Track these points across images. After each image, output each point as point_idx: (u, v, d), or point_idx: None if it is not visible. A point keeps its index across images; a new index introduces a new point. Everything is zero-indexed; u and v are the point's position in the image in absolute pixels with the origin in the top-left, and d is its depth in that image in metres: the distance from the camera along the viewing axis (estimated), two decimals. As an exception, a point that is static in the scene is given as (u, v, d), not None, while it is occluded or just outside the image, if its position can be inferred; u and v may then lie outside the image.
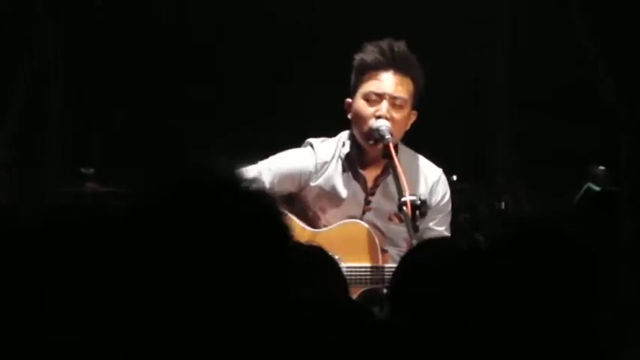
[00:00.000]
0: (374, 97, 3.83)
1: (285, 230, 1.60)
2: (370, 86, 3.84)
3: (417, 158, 3.99)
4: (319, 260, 2.73)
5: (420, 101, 3.91)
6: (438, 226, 3.95)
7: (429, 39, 4.17)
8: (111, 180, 5.43)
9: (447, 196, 3.99)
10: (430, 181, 3.96)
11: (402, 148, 3.93)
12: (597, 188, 5.53)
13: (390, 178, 3.82)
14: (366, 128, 3.81)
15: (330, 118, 4.04)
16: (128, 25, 5.80)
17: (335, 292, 2.69)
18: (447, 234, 3.98)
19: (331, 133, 4.01)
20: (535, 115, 5.95)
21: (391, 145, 3.72)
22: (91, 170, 5.44)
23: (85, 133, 5.93)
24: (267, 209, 1.60)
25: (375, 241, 3.85)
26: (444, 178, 4.01)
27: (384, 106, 3.81)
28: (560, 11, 5.87)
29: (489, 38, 5.93)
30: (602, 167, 5.83)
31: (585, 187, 5.58)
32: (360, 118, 3.83)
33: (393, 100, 3.82)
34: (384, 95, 3.82)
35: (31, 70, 5.70)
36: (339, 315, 1.87)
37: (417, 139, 4.01)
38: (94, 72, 5.86)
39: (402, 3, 5.65)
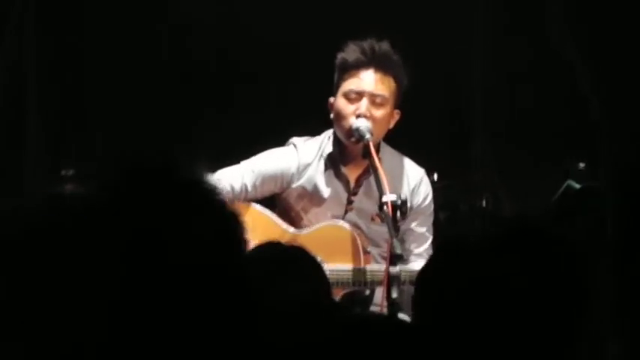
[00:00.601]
0: (354, 96, 3.83)
1: (235, 231, 1.53)
2: (350, 84, 3.84)
3: (401, 158, 3.99)
4: (302, 261, 2.72)
5: (404, 100, 3.91)
6: (420, 227, 3.95)
7: (408, 38, 4.15)
8: (92, 181, 5.39)
9: (430, 197, 3.99)
10: (412, 181, 3.95)
11: (385, 147, 3.93)
12: (578, 185, 5.54)
13: (372, 178, 3.82)
14: (346, 127, 3.81)
15: (315, 118, 4.04)
16: (108, 29, 5.77)
17: (318, 294, 2.68)
18: (429, 235, 3.98)
19: (316, 132, 4.01)
20: (513, 112, 5.96)
21: (371, 145, 3.71)
22: (71, 172, 5.41)
23: (64, 135, 5.89)
24: (211, 204, 1.52)
25: (357, 242, 3.84)
26: (426, 178, 4.01)
27: (363, 104, 3.80)
28: (536, 15, 5.89)
29: (467, 37, 5.93)
30: (582, 164, 5.83)
31: (565, 184, 5.59)
32: (341, 117, 3.83)
33: (373, 98, 3.82)
34: (364, 93, 3.82)
35: (7, 66, 5.67)
36: (319, 316, 1.85)
37: (398, 138, 4.01)
38: (74, 73, 5.82)
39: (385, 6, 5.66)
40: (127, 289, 1.41)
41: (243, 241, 1.50)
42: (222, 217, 1.50)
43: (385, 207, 3.49)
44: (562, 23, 5.83)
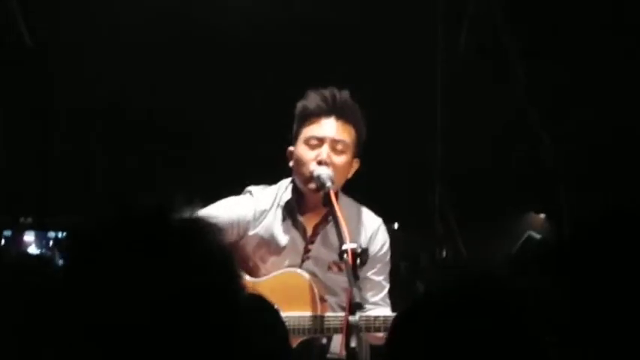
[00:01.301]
0: (315, 142, 3.83)
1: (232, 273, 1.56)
2: (311, 131, 3.84)
3: (358, 207, 3.98)
4: (261, 310, 2.70)
5: (365, 151, 3.91)
6: (377, 276, 3.94)
7: (366, 87, 4.17)
8: (51, 228, 5.35)
9: (387, 246, 3.98)
10: (370, 230, 3.95)
11: (342, 196, 3.92)
12: (538, 236, 5.56)
13: (329, 227, 3.81)
14: (307, 173, 3.80)
15: (272, 167, 4.04)
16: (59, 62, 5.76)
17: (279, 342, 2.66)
18: (385, 284, 3.96)
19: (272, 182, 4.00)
20: (473, 163, 5.99)
21: (332, 193, 3.70)
22: (30, 220, 5.37)
23: (22, 182, 5.85)
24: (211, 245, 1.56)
25: (314, 290, 3.82)
26: (383, 227, 4.00)
27: (324, 151, 3.80)
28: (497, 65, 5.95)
29: (426, 87, 5.97)
30: (542, 215, 5.87)
31: (526, 235, 5.61)
32: (301, 164, 3.82)
33: (334, 145, 3.82)
34: (325, 139, 3.82)
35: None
36: None
37: (359, 188, 4.01)
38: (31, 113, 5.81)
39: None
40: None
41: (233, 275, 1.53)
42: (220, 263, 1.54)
43: (345, 255, 3.47)
44: (523, 76, 5.89)
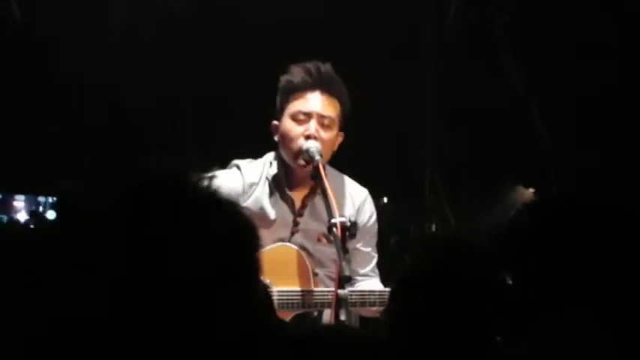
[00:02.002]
0: (302, 117, 3.82)
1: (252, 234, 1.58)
2: (298, 106, 3.83)
3: (343, 179, 3.99)
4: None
5: (349, 122, 3.91)
6: (365, 247, 3.95)
7: (352, 59, 4.17)
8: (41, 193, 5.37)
9: (374, 217, 3.99)
10: (357, 201, 3.96)
11: (329, 169, 3.93)
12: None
13: (317, 199, 3.81)
14: (295, 148, 3.80)
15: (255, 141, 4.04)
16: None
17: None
18: (374, 254, 3.98)
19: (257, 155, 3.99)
20: (463, 136, 5.99)
21: (321, 167, 3.71)
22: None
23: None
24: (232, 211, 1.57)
25: (305, 264, 3.83)
26: (370, 198, 4.01)
27: (312, 126, 3.80)
28: (491, 36, 5.94)
29: (416, 61, 5.96)
30: (531, 189, 5.88)
31: (515, 209, 5.61)
32: (289, 139, 3.82)
33: (322, 120, 3.82)
34: (312, 114, 3.82)
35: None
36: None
37: (348, 161, 4.01)
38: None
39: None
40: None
41: (256, 242, 1.54)
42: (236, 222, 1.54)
43: (334, 228, 3.47)
44: (512, 58, 5.88)
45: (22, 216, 5.22)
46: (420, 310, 1.94)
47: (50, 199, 5.21)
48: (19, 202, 5.27)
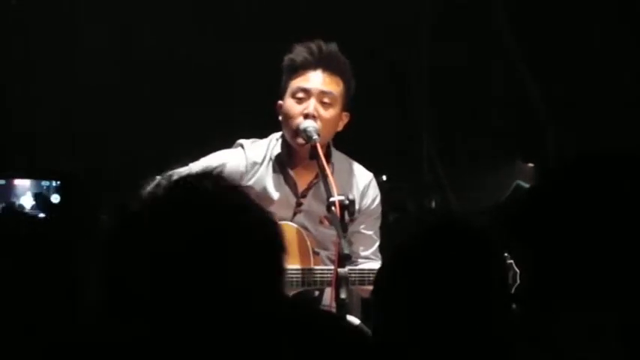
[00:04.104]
0: (301, 95, 3.81)
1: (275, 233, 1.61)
2: (298, 83, 3.83)
3: (349, 162, 3.99)
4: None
5: (350, 103, 3.90)
6: (367, 230, 3.95)
7: (351, 40, 4.16)
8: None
9: (378, 200, 3.99)
10: (361, 184, 3.95)
11: (334, 151, 3.93)
12: (526, 185, 5.58)
13: (321, 182, 3.81)
14: (294, 127, 3.79)
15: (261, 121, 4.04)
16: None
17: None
18: (376, 238, 3.98)
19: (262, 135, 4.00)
20: (460, 115, 6.00)
21: (319, 146, 3.70)
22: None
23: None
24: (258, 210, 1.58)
25: (306, 242, 3.83)
26: (374, 182, 4.01)
27: (311, 104, 3.79)
28: (485, 11, 5.93)
29: (411, 38, 5.96)
30: (530, 164, 5.89)
31: (514, 184, 5.63)
32: (289, 117, 3.81)
33: (322, 97, 3.81)
34: (312, 91, 3.81)
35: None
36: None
37: (347, 140, 4.01)
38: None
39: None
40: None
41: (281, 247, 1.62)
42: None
43: (333, 207, 3.48)
44: (507, 26, 5.88)
45: (27, 199, 5.21)
46: (403, 297, 1.91)
47: (54, 183, 5.20)
48: (23, 184, 5.26)
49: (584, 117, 5.76)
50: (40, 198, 5.09)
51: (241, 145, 3.94)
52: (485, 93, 5.96)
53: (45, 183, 5.17)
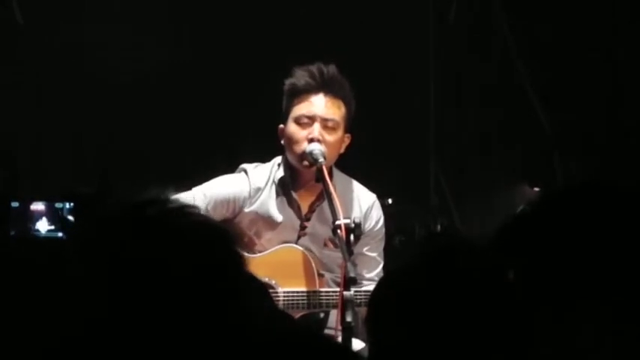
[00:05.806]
0: (305, 120, 3.83)
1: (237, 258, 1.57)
2: (301, 109, 3.84)
3: (352, 183, 4.00)
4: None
5: (353, 124, 3.92)
6: (371, 252, 3.95)
7: (357, 63, 4.17)
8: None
9: (381, 222, 3.99)
10: (364, 206, 3.96)
11: (337, 173, 3.94)
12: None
13: (325, 204, 3.81)
14: (299, 151, 3.81)
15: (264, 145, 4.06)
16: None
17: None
18: (380, 260, 3.98)
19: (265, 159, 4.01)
20: (468, 139, 6.00)
21: (324, 169, 3.71)
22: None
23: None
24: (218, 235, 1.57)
25: (311, 265, 3.84)
26: (377, 203, 4.01)
27: (316, 129, 3.81)
28: (492, 34, 5.95)
29: (419, 61, 5.97)
30: (536, 189, 5.88)
31: (520, 209, 5.62)
32: (293, 142, 3.83)
33: (325, 122, 3.83)
34: (316, 117, 3.82)
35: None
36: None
37: (353, 162, 4.02)
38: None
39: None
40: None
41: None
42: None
43: (339, 230, 3.48)
44: (516, 53, 5.89)
45: (42, 224, 5.22)
46: (393, 325, 1.88)
47: (67, 205, 5.21)
48: (38, 208, 5.26)
49: (592, 144, 5.76)
50: (60, 217, 5.10)
51: (245, 170, 3.95)
52: (493, 117, 5.97)
53: (59, 205, 5.19)
